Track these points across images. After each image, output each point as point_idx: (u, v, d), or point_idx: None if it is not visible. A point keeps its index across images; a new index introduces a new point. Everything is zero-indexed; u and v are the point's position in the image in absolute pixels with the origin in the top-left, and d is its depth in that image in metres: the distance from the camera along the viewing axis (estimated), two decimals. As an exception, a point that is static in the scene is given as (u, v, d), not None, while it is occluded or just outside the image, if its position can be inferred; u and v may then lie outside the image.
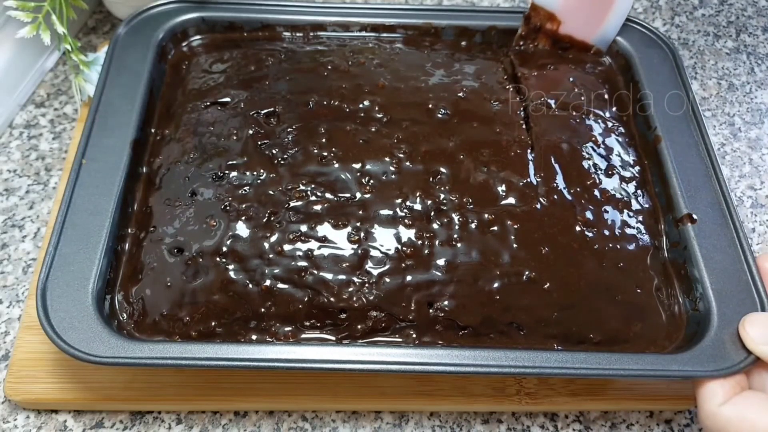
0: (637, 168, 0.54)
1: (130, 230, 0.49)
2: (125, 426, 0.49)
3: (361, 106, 0.54)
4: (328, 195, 0.49)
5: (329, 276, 0.46)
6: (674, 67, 0.59)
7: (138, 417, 0.49)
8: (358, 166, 0.50)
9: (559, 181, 0.51)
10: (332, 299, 0.46)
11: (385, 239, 0.47)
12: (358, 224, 0.48)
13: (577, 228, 0.49)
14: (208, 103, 0.55)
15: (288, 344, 0.45)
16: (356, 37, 0.62)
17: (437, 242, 0.47)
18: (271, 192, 0.49)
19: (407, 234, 0.48)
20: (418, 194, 0.49)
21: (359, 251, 0.47)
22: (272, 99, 0.54)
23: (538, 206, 0.49)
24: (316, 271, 0.46)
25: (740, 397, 0.42)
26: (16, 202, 0.59)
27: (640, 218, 0.51)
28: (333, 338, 0.46)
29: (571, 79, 0.58)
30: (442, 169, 0.51)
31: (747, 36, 0.76)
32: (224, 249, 0.47)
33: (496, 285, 0.46)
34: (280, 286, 0.46)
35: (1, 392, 0.50)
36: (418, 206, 0.49)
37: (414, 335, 0.46)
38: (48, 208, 0.58)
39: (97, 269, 0.45)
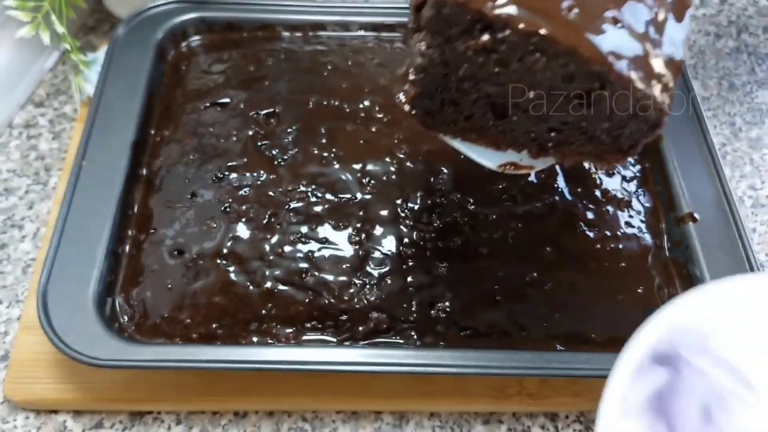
0: (638, 167, 0.54)
1: (130, 232, 0.49)
2: (125, 426, 0.49)
3: (361, 105, 0.54)
4: (328, 196, 0.49)
5: (330, 277, 0.46)
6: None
7: (137, 417, 0.49)
8: (358, 166, 0.50)
9: (560, 181, 0.51)
10: (333, 300, 0.45)
11: (386, 240, 0.47)
12: (359, 225, 0.48)
13: (579, 228, 0.49)
14: (208, 104, 0.55)
15: (289, 346, 0.45)
16: (356, 36, 0.61)
17: (438, 243, 0.47)
18: (271, 193, 0.49)
19: (408, 235, 0.48)
20: (419, 194, 0.49)
21: (360, 252, 0.47)
22: (272, 99, 0.54)
23: (540, 206, 0.49)
24: (316, 273, 0.46)
25: None
26: (16, 202, 0.59)
27: (642, 217, 0.51)
28: (334, 340, 0.46)
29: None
30: (444, 169, 0.51)
31: (748, 36, 0.76)
32: (225, 251, 0.46)
33: (497, 285, 0.46)
34: (281, 287, 0.46)
35: (0, 392, 0.50)
36: (419, 206, 0.49)
37: (415, 336, 0.46)
38: (47, 208, 0.58)
39: (97, 272, 0.45)
